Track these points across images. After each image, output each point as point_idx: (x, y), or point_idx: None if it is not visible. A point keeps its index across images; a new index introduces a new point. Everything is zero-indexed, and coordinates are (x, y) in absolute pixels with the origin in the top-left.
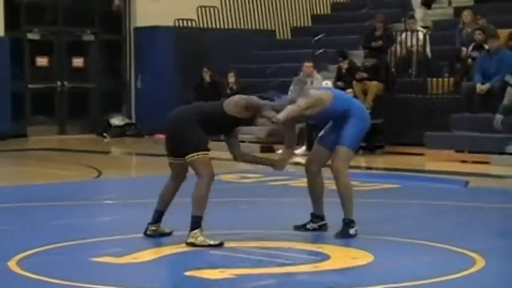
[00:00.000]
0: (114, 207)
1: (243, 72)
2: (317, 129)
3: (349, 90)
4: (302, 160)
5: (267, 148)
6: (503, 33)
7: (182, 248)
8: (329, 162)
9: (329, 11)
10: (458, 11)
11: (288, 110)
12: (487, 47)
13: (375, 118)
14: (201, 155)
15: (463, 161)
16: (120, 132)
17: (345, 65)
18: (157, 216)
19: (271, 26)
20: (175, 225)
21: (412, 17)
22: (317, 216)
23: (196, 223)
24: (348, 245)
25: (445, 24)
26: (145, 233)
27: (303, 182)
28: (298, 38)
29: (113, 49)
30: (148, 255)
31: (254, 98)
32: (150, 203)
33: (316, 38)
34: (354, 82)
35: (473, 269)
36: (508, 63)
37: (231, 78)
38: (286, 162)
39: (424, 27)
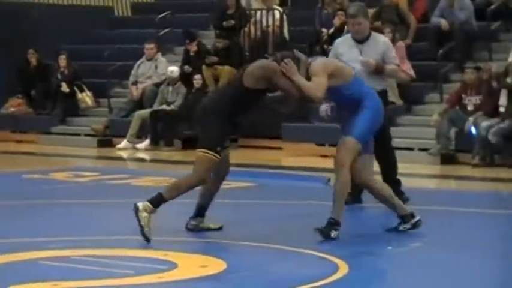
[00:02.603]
0: None
1: (77, 54)
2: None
3: (198, 76)
4: (146, 156)
5: (105, 142)
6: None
7: (8, 258)
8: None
9: None
10: None
11: (319, 84)
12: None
13: None
14: (203, 153)
15: (324, 156)
16: None
17: (193, 48)
18: (197, 210)
19: (108, 1)
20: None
21: None
22: (403, 216)
23: (158, 201)
24: (197, 251)
25: (304, 3)
26: (186, 227)
27: (146, 181)
28: (140, 15)
29: None
30: None
31: (273, 65)
32: None
33: (160, 16)
34: (204, 67)
35: (335, 277)
36: None
37: (62, 61)
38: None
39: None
